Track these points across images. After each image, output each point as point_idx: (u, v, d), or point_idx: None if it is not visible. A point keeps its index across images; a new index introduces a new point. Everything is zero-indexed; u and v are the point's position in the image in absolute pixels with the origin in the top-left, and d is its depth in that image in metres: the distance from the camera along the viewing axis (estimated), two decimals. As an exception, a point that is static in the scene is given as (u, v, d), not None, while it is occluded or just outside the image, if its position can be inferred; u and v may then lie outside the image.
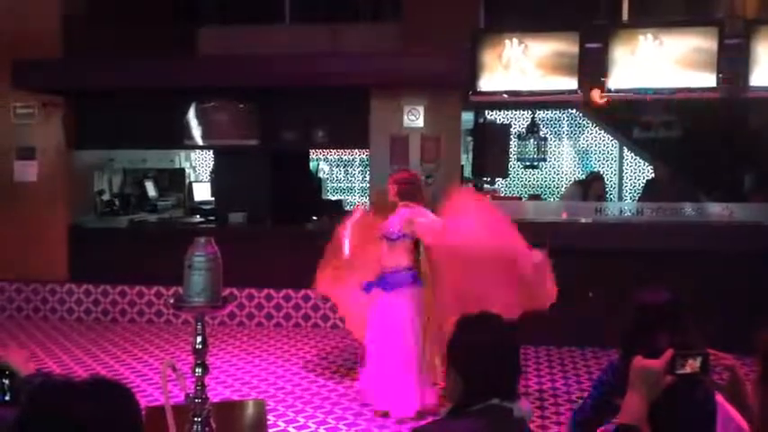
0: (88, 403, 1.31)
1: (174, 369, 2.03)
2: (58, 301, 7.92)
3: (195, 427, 2.02)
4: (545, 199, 9.90)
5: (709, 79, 6.12)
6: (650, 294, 2.82)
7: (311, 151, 10.02)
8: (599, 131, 10.30)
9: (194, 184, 10.04)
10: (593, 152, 10.68)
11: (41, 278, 7.92)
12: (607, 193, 8.86)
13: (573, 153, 10.72)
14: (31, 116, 7.83)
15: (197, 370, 2.03)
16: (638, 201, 8.17)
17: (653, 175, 8.40)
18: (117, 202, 8.84)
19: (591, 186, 8.22)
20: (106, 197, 8.71)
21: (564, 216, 7.29)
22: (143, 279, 7.70)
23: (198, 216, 8.78)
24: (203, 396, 2.04)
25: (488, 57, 6.53)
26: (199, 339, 2.05)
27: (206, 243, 2.04)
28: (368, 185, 8.22)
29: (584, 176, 9.27)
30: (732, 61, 6.07)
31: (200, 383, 2.04)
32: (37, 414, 1.30)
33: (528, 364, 6.35)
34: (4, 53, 7.56)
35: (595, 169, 10.07)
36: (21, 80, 7.45)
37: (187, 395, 2.05)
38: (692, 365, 1.89)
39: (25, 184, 7.89)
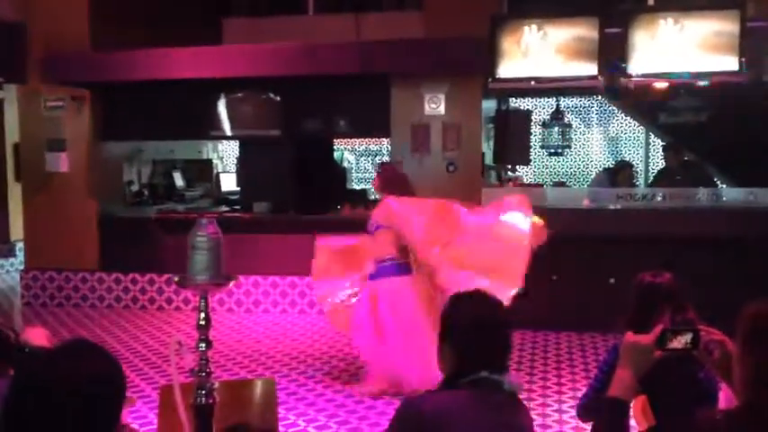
0: (66, 364, 1.42)
1: (181, 345, 2.12)
2: (89, 289, 8.14)
3: (199, 399, 2.12)
4: (570, 186, 9.86)
5: (731, 63, 6.04)
6: (652, 275, 2.86)
7: (337, 141, 10.12)
8: (626, 118, 10.22)
9: (222, 175, 10.20)
10: (621, 139, 10.60)
11: (73, 267, 8.15)
12: (636, 180, 8.79)
13: (600, 140, 10.65)
14: (61, 109, 8.04)
15: (201, 345, 2.13)
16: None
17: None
18: (146, 193, 9.03)
19: (619, 174, 8.15)
20: (135, 187, 8.91)
21: (586, 203, 7.28)
22: (171, 267, 7.86)
23: (225, 206, 8.93)
24: (207, 370, 2.13)
25: (507, 43, 6.53)
26: (202, 315, 2.14)
27: (208, 224, 2.13)
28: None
29: (612, 165, 9.22)
30: (755, 44, 5.99)
31: (204, 358, 2.13)
32: (23, 379, 1.42)
33: (548, 349, 6.37)
34: (34, 47, 7.76)
35: (624, 157, 10.01)
36: (50, 74, 7.66)
37: (192, 369, 2.14)
38: (682, 341, 1.91)
39: (56, 175, 8.11)
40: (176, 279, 2.19)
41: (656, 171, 10.17)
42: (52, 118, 8.07)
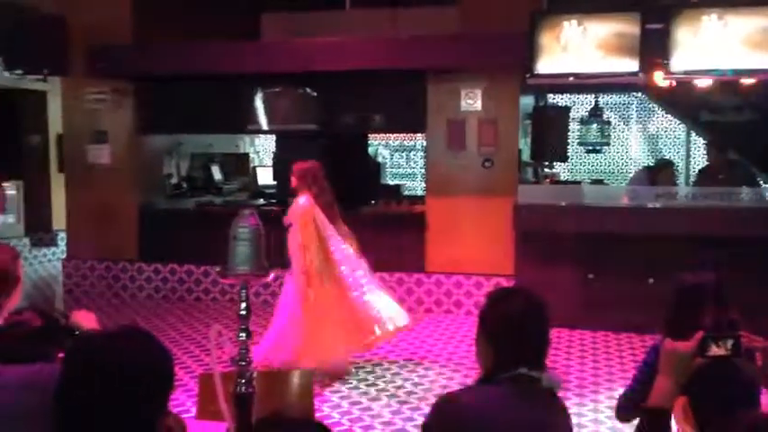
0: (120, 350, 1.45)
1: (221, 334, 2.16)
2: (129, 279, 8.30)
3: (239, 387, 2.15)
4: (608, 184, 9.75)
5: (777, 60, 5.91)
6: (693, 275, 2.82)
7: (372, 136, 10.15)
8: (666, 115, 10.06)
9: (258, 169, 10.31)
10: (662, 137, 10.45)
11: (113, 256, 8.31)
12: (677, 180, 8.62)
13: (640, 137, 10.52)
14: (104, 101, 8.19)
15: (241, 335, 2.16)
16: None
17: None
18: (185, 185, 9.17)
19: (660, 173, 8.00)
20: (174, 180, 9.04)
21: (624, 201, 7.19)
22: (209, 259, 7.95)
23: (261, 199, 9.02)
24: (247, 359, 2.16)
25: (546, 39, 6.47)
26: (243, 306, 2.17)
27: (249, 215, 2.15)
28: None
29: (653, 163, 9.08)
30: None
31: (244, 347, 2.17)
32: (75, 362, 1.45)
33: (584, 348, 6.32)
34: (78, 40, 7.92)
35: (665, 156, 9.86)
36: (93, 67, 7.80)
37: (232, 358, 2.18)
38: (723, 347, 1.89)
39: (99, 167, 8.28)
40: (218, 269, 2.22)
41: (697, 169, 10.01)
42: (95, 110, 8.23)
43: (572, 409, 4.80)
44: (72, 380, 1.43)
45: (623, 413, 3.05)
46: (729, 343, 1.87)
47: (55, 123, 9.38)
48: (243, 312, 2.17)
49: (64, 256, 8.87)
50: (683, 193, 7.08)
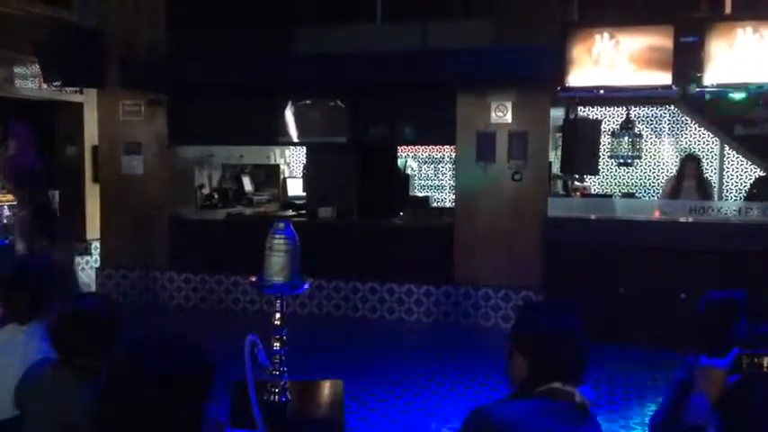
0: (161, 354, 1.49)
1: (255, 345, 2.19)
2: (160, 288, 8.40)
3: (273, 396, 2.17)
4: (640, 197, 9.65)
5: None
6: (723, 292, 2.80)
7: (401, 149, 10.19)
8: (699, 129, 9.94)
9: (288, 180, 10.40)
10: (694, 150, 10.32)
11: (145, 266, 8.42)
12: (706, 175, 8.30)
13: (672, 151, 10.41)
14: (138, 113, 8.33)
15: (275, 344, 2.18)
16: (746, 200, 7.81)
17: (762, 173, 8.02)
18: (216, 196, 9.27)
19: (686, 167, 7.78)
20: (206, 191, 9.16)
21: (656, 215, 7.12)
22: (239, 269, 8.03)
23: (291, 210, 9.10)
24: (281, 369, 2.19)
25: (578, 52, 6.44)
26: (278, 316, 2.20)
27: (285, 227, 2.18)
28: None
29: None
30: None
31: (278, 357, 2.19)
32: (121, 366, 1.49)
33: (615, 363, 6.23)
34: (113, 53, 8.08)
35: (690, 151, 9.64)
36: (127, 79, 7.94)
37: (266, 368, 2.20)
38: (759, 363, 1.87)
39: (132, 177, 8.41)
40: (253, 279, 2.25)
41: (729, 183, 9.87)
42: (129, 122, 8.38)
43: (603, 426, 4.76)
44: (117, 383, 1.46)
45: (657, 431, 3.01)
46: (764, 360, 1.86)
47: (90, 135, 9.56)
48: (277, 322, 2.20)
49: (98, 264, 9.01)
50: (716, 208, 6.98)
